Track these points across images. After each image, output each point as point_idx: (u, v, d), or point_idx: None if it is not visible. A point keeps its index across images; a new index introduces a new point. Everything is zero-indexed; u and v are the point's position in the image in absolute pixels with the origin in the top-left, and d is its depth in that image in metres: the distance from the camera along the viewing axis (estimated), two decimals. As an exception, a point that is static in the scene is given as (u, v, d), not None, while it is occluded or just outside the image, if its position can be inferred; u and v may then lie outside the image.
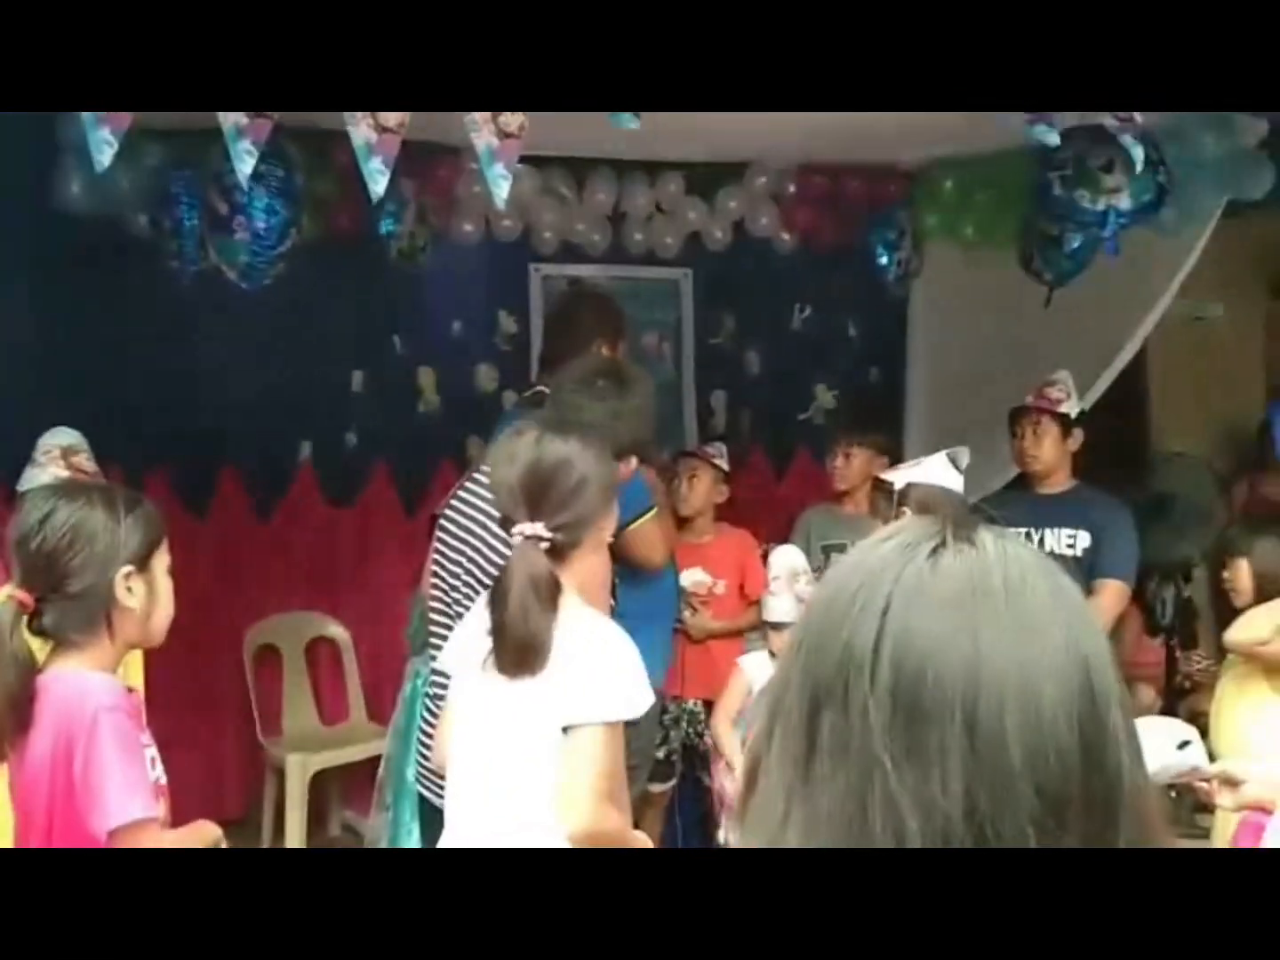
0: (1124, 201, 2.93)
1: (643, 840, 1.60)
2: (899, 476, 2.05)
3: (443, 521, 2.03)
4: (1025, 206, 3.30)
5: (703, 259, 4.03)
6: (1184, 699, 3.62)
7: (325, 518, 3.78)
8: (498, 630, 1.50)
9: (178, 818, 3.45)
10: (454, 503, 2.04)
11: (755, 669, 2.59)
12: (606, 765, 1.45)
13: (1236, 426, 3.99)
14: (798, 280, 4.05)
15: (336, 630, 3.70)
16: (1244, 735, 2.28)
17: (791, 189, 3.90)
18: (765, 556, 3.47)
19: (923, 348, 3.85)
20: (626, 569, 2.10)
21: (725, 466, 3.07)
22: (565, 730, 1.46)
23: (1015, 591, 0.54)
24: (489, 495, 1.94)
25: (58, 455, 2.04)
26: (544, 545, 1.49)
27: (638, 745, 2.31)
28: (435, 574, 2.01)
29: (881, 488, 2.08)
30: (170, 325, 3.27)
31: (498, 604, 1.50)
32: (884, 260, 3.75)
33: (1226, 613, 2.52)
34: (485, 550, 1.90)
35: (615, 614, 1.93)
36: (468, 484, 2.05)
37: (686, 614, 2.93)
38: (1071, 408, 2.78)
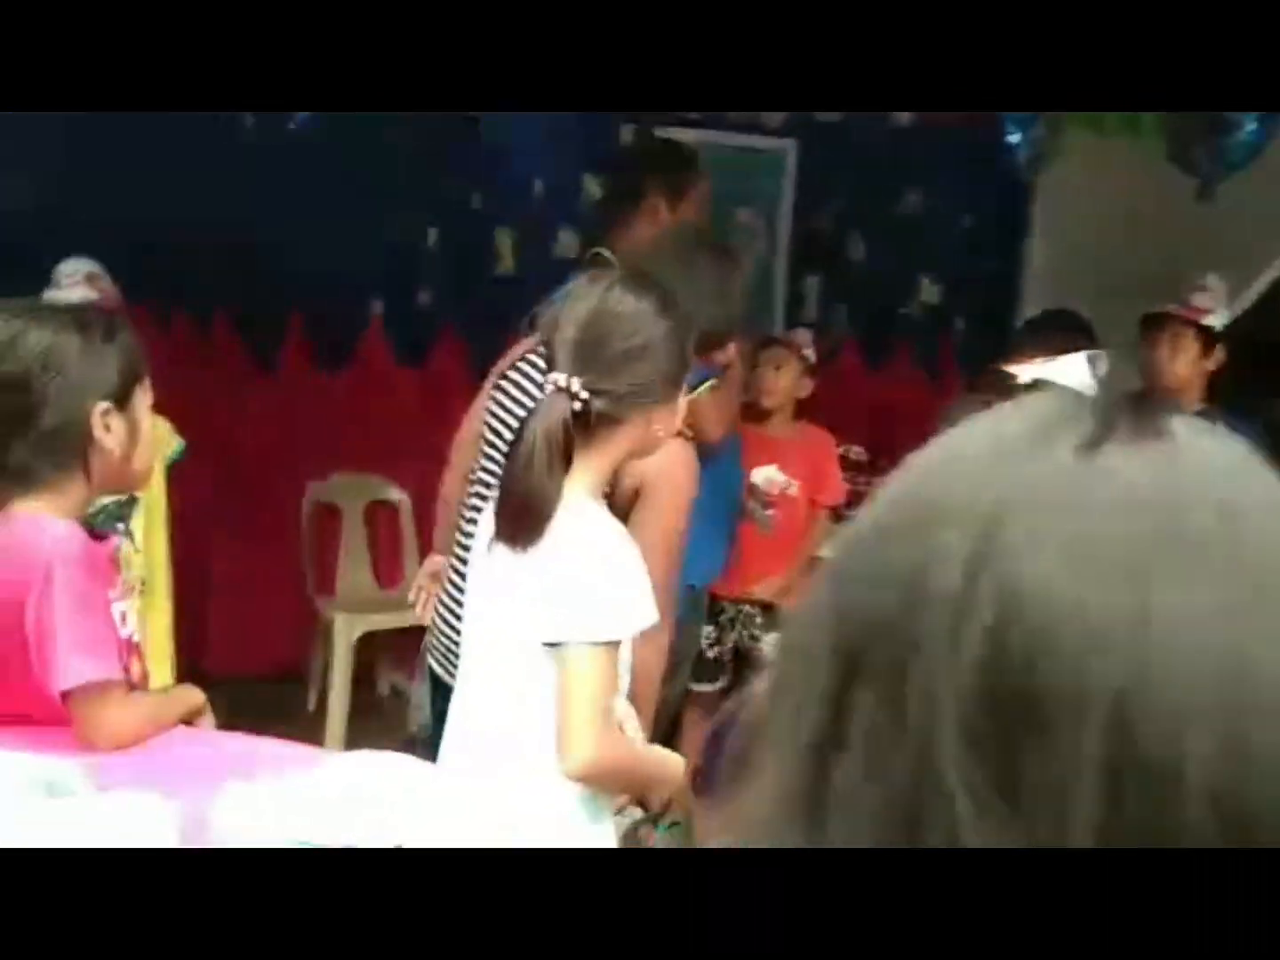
0: None
1: (669, 760, 1.43)
2: (1028, 371, 1.77)
3: (500, 386, 1.85)
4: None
5: (811, 130, 3.69)
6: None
7: (392, 378, 3.67)
8: (502, 487, 1.32)
9: (231, 662, 3.47)
10: (515, 370, 1.85)
11: None
12: (600, 690, 1.25)
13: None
14: (914, 158, 3.68)
15: (396, 494, 3.62)
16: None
17: (917, 54, 3.51)
18: (844, 459, 3.25)
19: (1047, 242, 3.48)
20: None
21: (812, 358, 2.82)
22: (551, 645, 1.27)
23: (1233, 525, 0.32)
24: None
25: (82, 279, 1.90)
26: (575, 406, 1.27)
27: (680, 644, 2.17)
28: (484, 444, 1.85)
29: (1001, 383, 1.80)
30: (242, 167, 3.12)
31: (509, 459, 1.32)
32: (1015, 139, 3.35)
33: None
34: None
35: None
36: (533, 353, 1.86)
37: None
38: (1218, 320, 2.43)
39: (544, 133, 3.53)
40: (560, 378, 1.27)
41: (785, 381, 2.75)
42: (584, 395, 1.26)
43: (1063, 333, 2.80)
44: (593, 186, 3.71)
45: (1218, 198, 2.90)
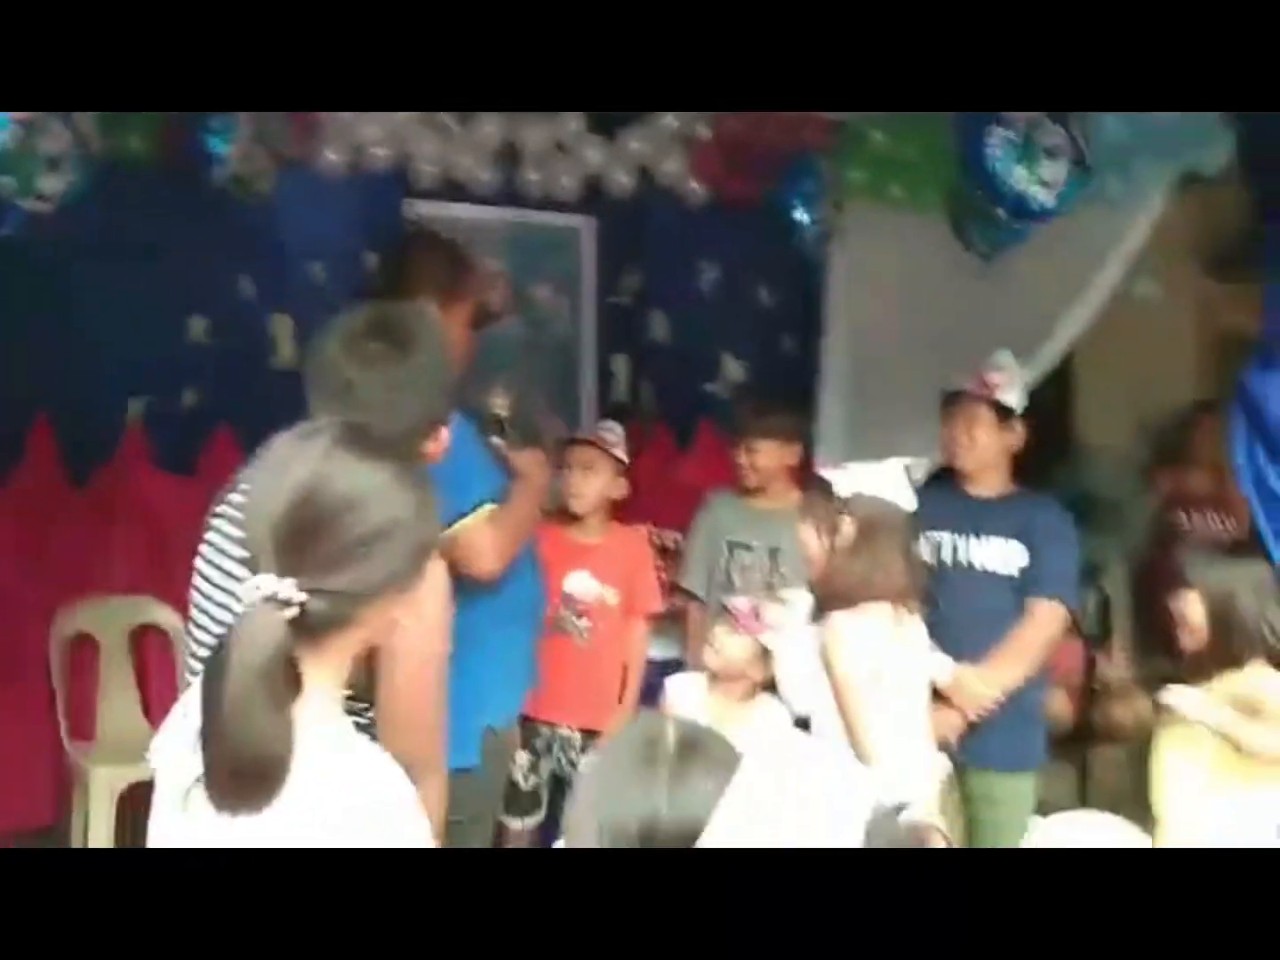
0: (1049, 199, 2.65)
1: None
2: (847, 481, 1.69)
3: (208, 534, 1.45)
4: (954, 171, 2.97)
5: (606, 206, 3.60)
6: (1098, 705, 3.44)
7: (157, 487, 3.26)
8: (206, 736, 0.96)
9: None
10: (221, 512, 1.45)
11: (685, 695, 2.18)
12: None
13: (1164, 415, 3.77)
14: (707, 236, 3.65)
15: (167, 616, 3.18)
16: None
17: (702, 131, 3.49)
18: (662, 548, 3.12)
19: (841, 318, 3.49)
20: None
21: (624, 458, 2.65)
22: None
23: None
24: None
25: None
26: (290, 612, 0.96)
27: (474, 799, 1.81)
28: (193, 607, 1.46)
29: (821, 488, 1.71)
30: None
31: (210, 694, 0.96)
32: (800, 218, 3.37)
33: (1148, 614, 2.26)
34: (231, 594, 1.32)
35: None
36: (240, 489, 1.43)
37: None
38: (1014, 397, 2.43)
39: (319, 206, 3.27)
40: (266, 583, 0.96)
41: (596, 486, 2.58)
42: (298, 600, 0.95)
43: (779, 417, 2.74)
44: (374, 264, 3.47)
45: (1003, 274, 2.98)
